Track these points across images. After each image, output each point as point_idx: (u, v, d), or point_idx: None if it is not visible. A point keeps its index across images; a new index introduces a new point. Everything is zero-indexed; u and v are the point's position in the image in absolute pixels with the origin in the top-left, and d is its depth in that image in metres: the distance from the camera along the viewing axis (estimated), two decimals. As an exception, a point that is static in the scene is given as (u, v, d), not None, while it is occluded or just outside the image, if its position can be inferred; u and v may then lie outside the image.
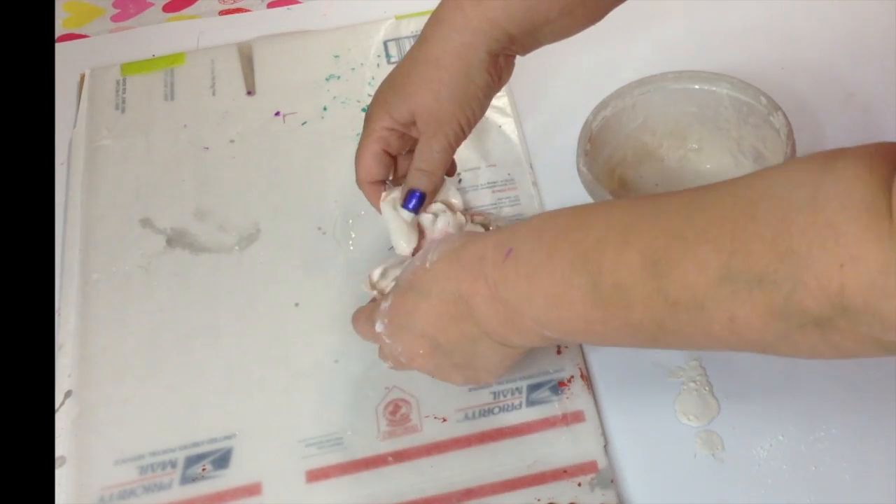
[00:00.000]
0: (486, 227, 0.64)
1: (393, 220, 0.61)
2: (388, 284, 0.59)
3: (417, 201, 0.60)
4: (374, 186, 0.62)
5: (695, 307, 0.43)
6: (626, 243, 0.46)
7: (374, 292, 0.60)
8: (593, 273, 0.47)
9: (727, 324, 0.43)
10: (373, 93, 0.77)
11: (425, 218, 0.61)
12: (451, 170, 0.65)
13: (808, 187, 0.40)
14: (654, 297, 0.45)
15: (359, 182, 0.62)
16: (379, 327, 0.55)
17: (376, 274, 0.60)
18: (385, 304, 0.55)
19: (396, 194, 0.61)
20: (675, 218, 0.45)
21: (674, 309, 0.44)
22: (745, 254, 0.41)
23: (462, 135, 0.60)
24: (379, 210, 0.62)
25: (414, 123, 0.60)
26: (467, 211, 0.66)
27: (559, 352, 0.61)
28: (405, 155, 0.63)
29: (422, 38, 0.59)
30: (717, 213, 0.43)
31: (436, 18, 0.58)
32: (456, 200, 0.63)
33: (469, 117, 0.59)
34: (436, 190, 0.61)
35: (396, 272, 0.59)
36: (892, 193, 0.38)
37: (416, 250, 0.60)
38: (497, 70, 0.59)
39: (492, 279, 0.51)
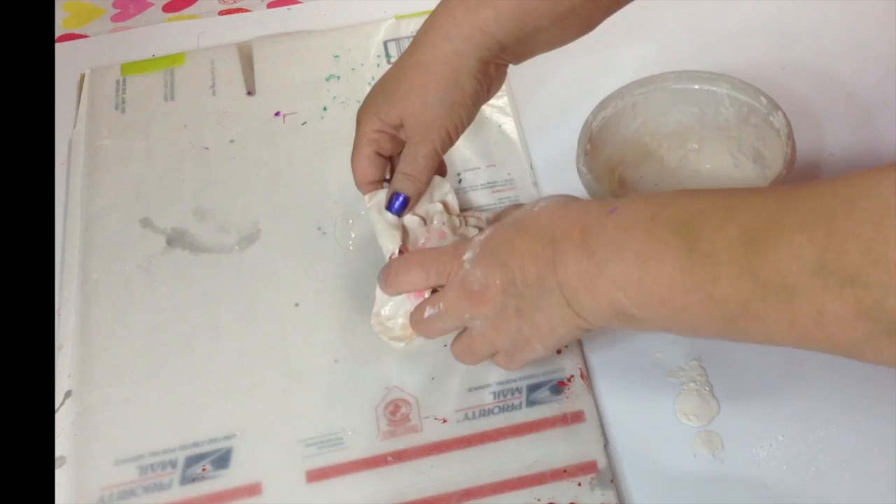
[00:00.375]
0: (480, 229, 0.64)
1: (378, 221, 0.61)
2: (397, 322, 0.60)
3: (401, 204, 0.61)
4: (373, 187, 0.62)
5: (784, 293, 0.44)
6: (728, 217, 0.46)
7: (379, 326, 0.61)
8: (690, 237, 0.47)
9: (815, 316, 0.43)
10: (373, 93, 0.77)
11: (411, 220, 0.62)
12: (441, 170, 0.65)
13: None
14: (745, 275, 0.45)
15: (358, 184, 0.63)
16: (467, 255, 0.55)
17: (386, 310, 0.60)
18: (479, 237, 0.56)
19: (382, 196, 0.62)
20: (777, 203, 0.45)
21: (762, 290, 0.44)
22: (840, 250, 0.42)
23: (448, 141, 0.61)
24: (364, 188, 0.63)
25: (402, 127, 0.61)
26: (463, 212, 0.66)
27: (559, 351, 0.61)
28: (398, 156, 0.63)
29: (413, 44, 0.60)
30: (816, 205, 0.44)
31: (427, 25, 0.59)
32: (452, 201, 0.63)
33: (456, 124, 0.60)
34: (420, 194, 0.62)
35: (406, 307, 0.60)
36: None
37: (401, 251, 0.60)
38: (487, 78, 0.60)
39: (588, 228, 0.51)
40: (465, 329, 0.57)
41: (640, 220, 0.49)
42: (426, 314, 0.57)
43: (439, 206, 0.63)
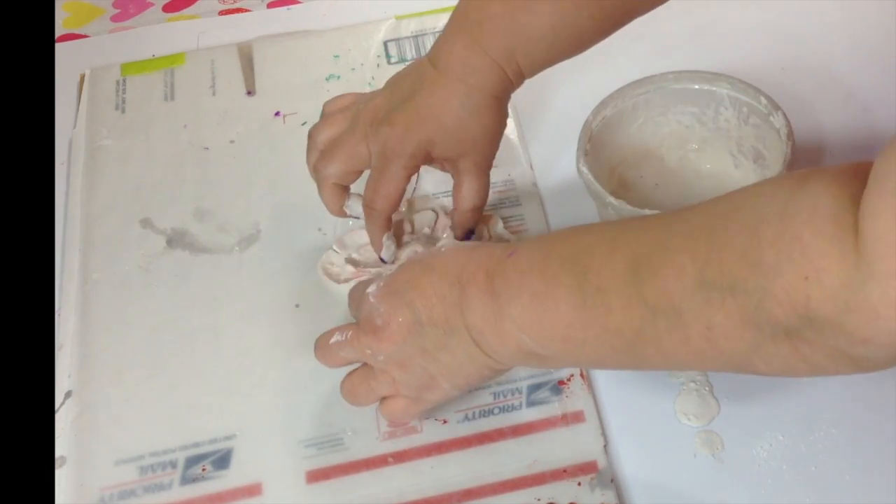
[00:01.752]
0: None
1: (389, 247, 0.63)
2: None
3: (474, 236, 0.65)
4: (388, 221, 0.63)
5: (673, 314, 0.44)
6: (613, 250, 0.48)
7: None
8: (579, 274, 0.48)
9: (704, 332, 0.43)
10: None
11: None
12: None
13: (779, 201, 0.41)
14: (634, 302, 0.45)
15: (378, 213, 0.62)
16: (371, 289, 0.55)
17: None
18: (387, 272, 0.57)
19: (392, 243, 0.63)
20: (659, 230, 0.47)
21: (652, 315, 0.45)
22: (718, 262, 0.42)
23: None
24: (378, 241, 0.63)
25: (445, 160, 0.62)
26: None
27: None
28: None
29: (463, 84, 0.60)
30: (696, 224, 0.45)
31: (472, 67, 0.59)
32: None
33: (496, 152, 0.63)
34: None
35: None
36: (860, 208, 0.38)
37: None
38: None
39: (492, 271, 0.52)
40: (363, 366, 0.56)
41: (535, 262, 0.50)
42: (332, 339, 0.56)
43: (441, 206, 0.64)
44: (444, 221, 0.66)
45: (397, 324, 0.53)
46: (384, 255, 0.63)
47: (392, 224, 0.63)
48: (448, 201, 0.66)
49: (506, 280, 0.51)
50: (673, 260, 0.44)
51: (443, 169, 0.64)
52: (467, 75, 0.59)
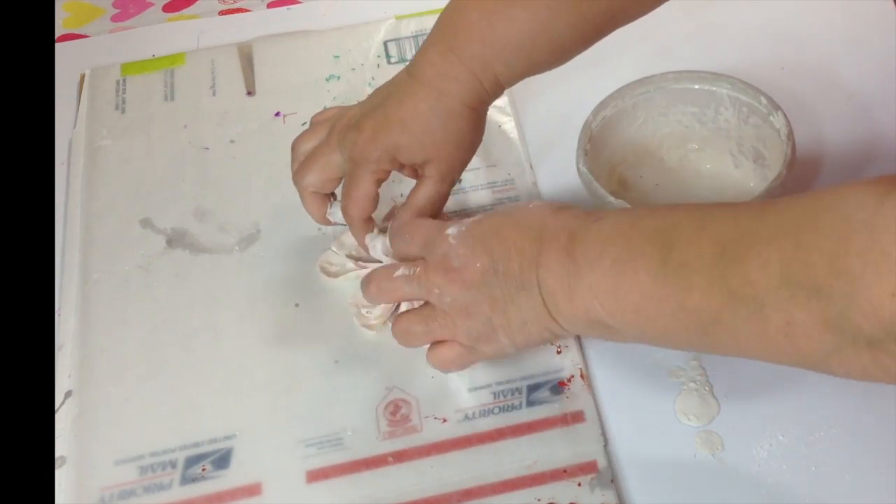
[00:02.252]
0: None
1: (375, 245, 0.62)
2: (373, 311, 0.62)
3: None
4: (366, 225, 0.62)
5: (754, 304, 0.44)
6: (701, 228, 0.48)
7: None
8: (665, 247, 0.48)
9: (784, 327, 0.44)
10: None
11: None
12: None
13: (869, 209, 0.41)
14: (716, 284, 0.46)
15: (353, 218, 0.62)
16: (452, 230, 0.55)
17: None
18: (469, 219, 0.56)
19: (383, 241, 0.62)
20: (748, 217, 0.47)
21: (732, 301, 0.45)
22: (805, 263, 0.43)
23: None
24: (362, 243, 0.63)
25: (413, 165, 0.61)
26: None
27: (559, 351, 0.61)
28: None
29: (434, 90, 0.59)
30: (784, 218, 0.45)
31: (445, 75, 0.59)
32: None
33: (468, 163, 0.63)
34: None
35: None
36: None
37: None
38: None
39: (575, 234, 0.52)
40: (423, 305, 0.57)
41: (620, 230, 0.51)
42: (398, 273, 0.56)
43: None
44: None
45: (474, 268, 0.53)
46: (373, 254, 0.62)
47: (374, 225, 0.62)
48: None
49: (588, 244, 0.51)
50: (760, 250, 0.44)
51: (411, 176, 0.63)
52: (439, 81, 0.59)
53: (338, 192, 0.64)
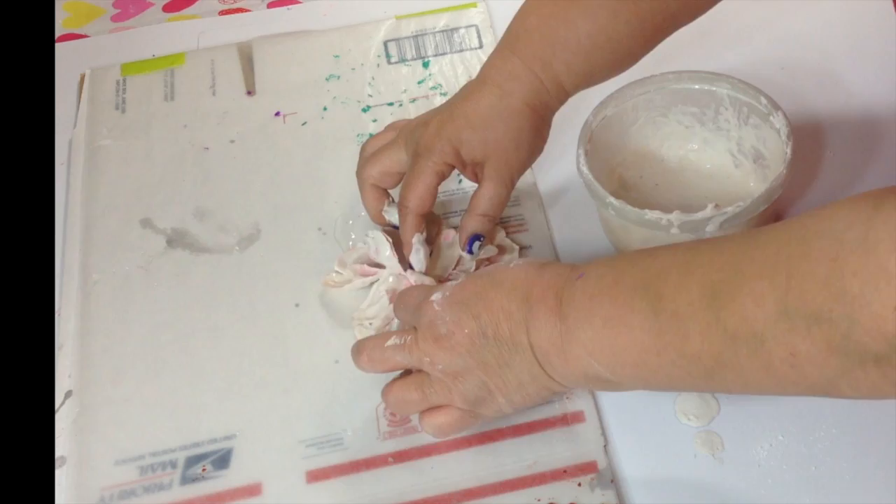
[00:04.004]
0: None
1: (419, 251, 0.62)
2: (375, 323, 0.61)
3: (479, 246, 0.62)
4: (420, 220, 0.62)
5: (755, 341, 0.44)
6: (687, 273, 0.47)
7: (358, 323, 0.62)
8: (654, 299, 0.47)
9: (788, 359, 0.43)
10: (373, 93, 0.77)
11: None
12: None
13: (859, 227, 0.41)
14: (713, 328, 0.45)
15: (408, 210, 0.61)
16: (436, 296, 0.54)
17: (371, 310, 0.62)
18: (452, 283, 0.55)
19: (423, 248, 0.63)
20: (734, 253, 0.46)
21: (732, 342, 0.45)
22: (800, 291, 0.42)
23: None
24: (409, 241, 0.62)
25: (474, 164, 0.61)
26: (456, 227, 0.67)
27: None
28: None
29: (497, 88, 0.60)
30: (772, 250, 0.44)
31: (509, 74, 0.60)
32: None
33: (527, 168, 0.63)
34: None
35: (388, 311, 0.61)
36: None
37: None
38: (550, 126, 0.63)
39: (561, 293, 0.51)
40: (416, 373, 0.55)
41: (606, 286, 0.50)
42: (389, 343, 0.55)
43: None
44: (445, 232, 0.66)
45: (462, 334, 0.52)
46: (413, 258, 0.62)
47: (424, 227, 0.62)
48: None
49: (575, 304, 0.50)
50: (752, 287, 0.44)
51: (472, 178, 0.63)
52: (502, 81, 0.60)
53: (395, 195, 0.64)
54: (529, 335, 0.52)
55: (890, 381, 0.42)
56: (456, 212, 0.69)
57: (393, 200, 0.65)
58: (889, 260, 0.40)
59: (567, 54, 0.60)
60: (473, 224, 0.62)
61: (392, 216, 0.64)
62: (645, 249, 0.52)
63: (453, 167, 0.61)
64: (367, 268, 0.64)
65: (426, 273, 0.62)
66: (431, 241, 0.65)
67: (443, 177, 0.61)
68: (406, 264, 0.63)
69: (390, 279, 0.62)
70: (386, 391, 0.56)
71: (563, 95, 0.61)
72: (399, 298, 0.59)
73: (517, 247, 0.66)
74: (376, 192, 0.65)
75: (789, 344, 0.43)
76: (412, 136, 0.62)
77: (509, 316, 0.52)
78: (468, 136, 0.60)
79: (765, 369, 0.45)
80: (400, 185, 0.63)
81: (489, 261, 0.64)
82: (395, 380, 0.56)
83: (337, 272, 0.65)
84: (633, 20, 0.59)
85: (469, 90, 0.62)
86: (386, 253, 0.63)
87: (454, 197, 0.70)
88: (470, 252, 0.62)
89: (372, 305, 0.62)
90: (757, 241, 0.46)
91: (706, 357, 0.46)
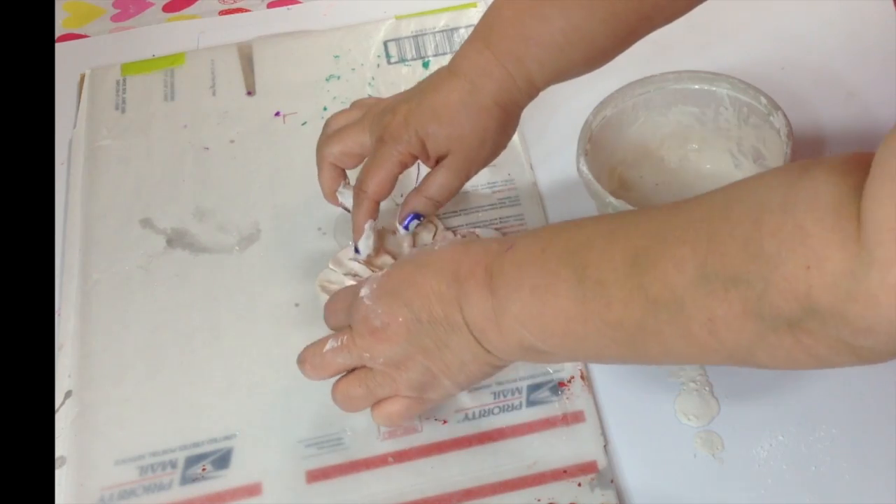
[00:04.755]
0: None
1: (369, 237, 0.63)
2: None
3: (417, 223, 0.63)
4: (375, 207, 0.62)
5: (675, 305, 0.44)
6: (611, 242, 0.47)
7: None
8: (579, 267, 0.48)
9: (706, 324, 0.43)
10: (373, 93, 0.77)
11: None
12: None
13: (781, 190, 0.41)
14: (635, 295, 0.45)
15: (366, 195, 0.62)
16: (364, 291, 0.54)
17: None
18: (378, 274, 0.56)
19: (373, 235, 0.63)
20: (657, 221, 0.47)
21: (653, 307, 0.45)
22: (720, 254, 0.42)
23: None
24: (360, 227, 0.63)
25: (438, 157, 0.61)
26: (453, 229, 0.68)
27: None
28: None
29: (464, 80, 0.60)
30: (695, 216, 0.45)
31: (481, 69, 0.60)
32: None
33: (487, 164, 0.63)
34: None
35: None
36: (862, 198, 0.38)
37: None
38: (517, 123, 0.63)
39: (490, 266, 0.51)
40: (360, 369, 0.55)
41: (533, 256, 0.50)
42: (327, 347, 0.55)
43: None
44: (443, 234, 0.66)
45: (397, 324, 0.52)
46: (361, 244, 0.63)
47: (377, 214, 0.63)
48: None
49: (504, 275, 0.51)
50: (673, 252, 0.44)
51: (431, 167, 0.63)
52: (473, 76, 0.60)
53: (352, 179, 0.64)
54: (463, 313, 0.51)
55: (803, 346, 0.41)
56: (455, 212, 0.69)
57: (349, 182, 0.65)
58: (806, 219, 0.39)
59: (540, 51, 0.59)
60: (417, 203, 0.62)
61: (346, 198, 0.64)
62: (573, 220, 0.52)
63: (416, 158, 0.61)
64: (356, 277, 0.64)
65: (370, 262, 0.64)
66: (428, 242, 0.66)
67: (405, 167, 0.61)
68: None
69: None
70: (333, 391, 0.56)
71: (533, 91, 0.61)
72: (328, 305, 0.58)
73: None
74: (334, 172, 0.64)
75: (707, 308, 0.43)
76: (379, 120, 0.61)
77: (441, 297, 0.52)
78: (434, 129, 0.60)
79: (685, 336, 0.44)
80: (360, 168, 0.63)
81: None
82: (339, 378, 0.56)
83: (331, 269, 0.65)
84: (609, 19, 0.59)
85: (439, 80, 0.61)
86: (369, 244, 0.64)
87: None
88: (405, 228, 0.63)
89: (336, 270, 0.64)
90: (681, 209, 0.46)
91: (629, 324, 0.46)
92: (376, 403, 0.56)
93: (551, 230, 0.53)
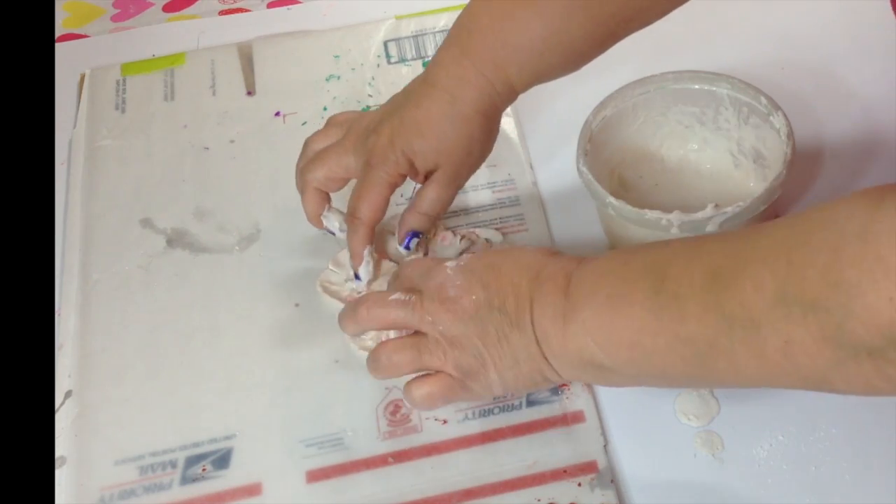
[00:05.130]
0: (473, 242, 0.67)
1: (368, 262, 0.63)
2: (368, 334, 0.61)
3: (416, 243, 0.63)
4: (370, 232, 0.62)
5: (751, 325, 0.44)
6: (692, 259, 0.48)
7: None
8: (658, 279, 0.48)
9: (782, 347, 0.43)
10: (373, 93, 0.77)
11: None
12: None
13: (859, 219, 0.41)
14: (710, 311, 0.46)
15: (361, 221, 0.61)
16: (451, 263, 0.55)
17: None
18: (468, 254, 0.57)
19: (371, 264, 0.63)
20: (738, 243, 0.47)
21: (728, 325, 0.45)
22: (800, 279, 0.42)
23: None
24: (360, 254, 0.62)
25: (427, 172, 0.61)
26: (452, 229, 0.68)
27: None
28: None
29: (447, 94, 0.60)
30: (776, 240, 0.45)
31: (458, 78, 0.60)
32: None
33: (477, 168, 0.63)
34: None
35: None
36: None
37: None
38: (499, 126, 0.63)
39: (570, 273, 0.53)
40: (413, 334, 0.55)
41: (614, 267, 0.51)
42: (393, 297, 0.55)
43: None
44: (442, 234, 0.66)
45: (469, 300, 0.53)
46: (361, 271, 0.62)
47: (374, 238, 0.63)
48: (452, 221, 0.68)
49: (582, 282, 0.52)
50: (753, 272, 0.44)
51: (421, 182, 0.63)
52: (452, 86, 0.60)
53: (337, 202, 0.64)
54: (533, 312, 0.52)
55: (884, 375, 0.42)
56: (455, 212, 0.69)
57: (331, 206, 0.65)
58: (888, 251, 0.40)
59: (520, 56, 0.59)
60: (413, 221, 0.63)
61: (330, 222, 0.64)
62: (660, 240, 0.53)
63: (405, 177, 0.61)
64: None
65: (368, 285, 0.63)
66: (428, 242, 0.66)
67: (395, 187, 0.61)
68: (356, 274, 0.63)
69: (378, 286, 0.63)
70: (376, 351, 0.56)
71: (512, 96, 0.61)
72: (407, 263, 0.59)
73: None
74: (318, 196, 0.64)
75: (784, 331, 0.43)
76: (362, 144, 0.61)
77: (517, 290, 0.53)
78: (420, 146, 0.60)
79: (758, 357, 0.45)
80: (343, 191, 0.63)
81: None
82: (387, 340, 0.56)
83: (332, 270, 0.65)
84: (587, 23, 0.59)
85: (418, 94, 0.61)
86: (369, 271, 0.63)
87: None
88: (407, 248, 0.63)
89: (337, 271, 0.64)
90: (761, 232, 0.46)
91: (701, 340, 0.46)
92: (415, 379, 0.56)
93: (638, 247, 0.54)
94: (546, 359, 0.53)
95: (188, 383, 0.62)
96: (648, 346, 0.48)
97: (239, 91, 0.79)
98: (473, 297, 0.53)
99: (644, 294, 0.48)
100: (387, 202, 0.61)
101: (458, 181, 0.62)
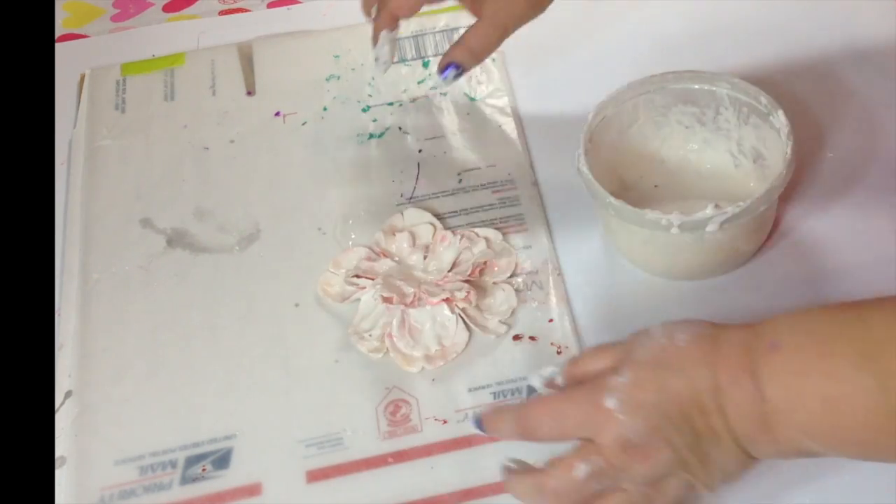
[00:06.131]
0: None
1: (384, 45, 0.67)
2: (373, 334, 0.62)
3: (456, 76, 0.65)
4: (395, 18, 0.65)
5: None
6: None
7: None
8: (881, 375, 0.44)
9: None
10: (373, 93, 0.77)
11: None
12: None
13: None
14: None
15: (386, 10, 0.64)
16: (611, 403, 0.48)
17: (365, 324, 0.63)
18: (620, 379, 0.49)
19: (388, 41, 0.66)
20: None
21: None
22: None
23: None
24: (376, 36, 0.67)
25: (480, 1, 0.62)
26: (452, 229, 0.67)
27: (559, 352, 0.61)
28: None
29: None
30: None
31: None
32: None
33: (527, 20, 0.64)
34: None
35: (384, 319, 0.62)
36: None
37: None
38: None
39: (757, 373, 0.47)
40: (615, 493, 0.50)
41: (812, 359, 0.46)
42: (579, 472, 0.49)
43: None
44: (442, 234, 0.66)
45: (658, 441, 0.48)
46: (378, 51, 0.65)
47: (396, 26, 0.65)
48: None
49: (779, 386, 0.46)
50: None
51: (470, 9, 0.65)
52: None
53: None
54: (728, 422, 0.48)
55: None
56: (455, 212, 0.69)
57: (396, 30, 0.68)
58: None
59: None
60: (458, 53, 0.64)
61: (381, 45, 0.67)
62: (845, 305, 0.47)
63: None
64: (355, 280, 0.64)
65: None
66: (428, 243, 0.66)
67: None
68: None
69: (378, 286, 0.62)
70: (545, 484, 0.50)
71: None
72: (549, 413, 0.51)
73: (514, 250, 0.66)
74: (389, 17, 0.66)
75: None
76: None
77: (702, 409, 0.48)
78: None
79: None
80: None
81: (485, 264, 0.64)
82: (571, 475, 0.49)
83: (332, 272, 0.65)
84: None
85: None
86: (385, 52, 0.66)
87: (452, 196, 0.70)
88: (443, 76, 0.64)
89: (364, 319, 0.63)
90: None
91: None
92: None
93: (823, 322, 0.47)
94: (754, 458, 0.49)
95: (188, 383, 0.62)
96: (882, 443, 0.45)
97: (239, 91, 0.79)
98: (661, 436, 0.48)
99: (870, 396, 0.44)
100: (419, 4, 0.63)
101: (504, 23, 0.63)
